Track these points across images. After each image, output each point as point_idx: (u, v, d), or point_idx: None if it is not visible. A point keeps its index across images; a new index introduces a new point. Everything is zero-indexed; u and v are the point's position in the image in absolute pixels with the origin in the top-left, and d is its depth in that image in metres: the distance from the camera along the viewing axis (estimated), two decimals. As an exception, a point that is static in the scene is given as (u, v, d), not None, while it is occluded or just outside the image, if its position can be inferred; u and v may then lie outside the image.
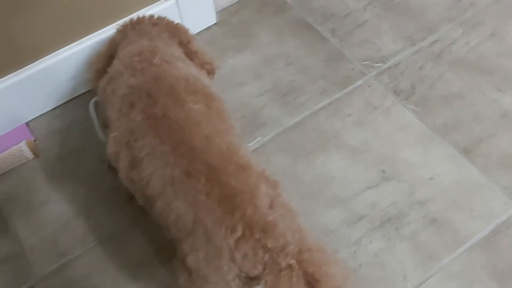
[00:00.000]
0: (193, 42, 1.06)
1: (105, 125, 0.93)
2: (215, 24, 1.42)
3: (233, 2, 1.47)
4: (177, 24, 1.06)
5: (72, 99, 1.30)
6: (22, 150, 1.18)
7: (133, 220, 1.10)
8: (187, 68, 0.91)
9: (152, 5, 1.27)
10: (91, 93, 1.30)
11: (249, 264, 0.69)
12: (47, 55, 1.20)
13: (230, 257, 0.70)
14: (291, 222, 0.73)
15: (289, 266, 0.68)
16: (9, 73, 1.17)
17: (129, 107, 0.82)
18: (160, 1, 1.27)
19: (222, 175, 0.73)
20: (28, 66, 1.18)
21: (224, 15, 1.44)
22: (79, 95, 1.31)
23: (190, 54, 1.03)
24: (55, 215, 1.12)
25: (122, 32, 1.02)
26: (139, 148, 0.79)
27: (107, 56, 1.03)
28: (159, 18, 1.03)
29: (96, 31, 1.23)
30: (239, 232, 0.69)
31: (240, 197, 0.72)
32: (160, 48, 0.93)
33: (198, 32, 1.40)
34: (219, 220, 0.71)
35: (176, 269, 0.80)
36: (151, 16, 1.04)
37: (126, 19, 1.06)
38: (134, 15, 1.21)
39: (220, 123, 0.83)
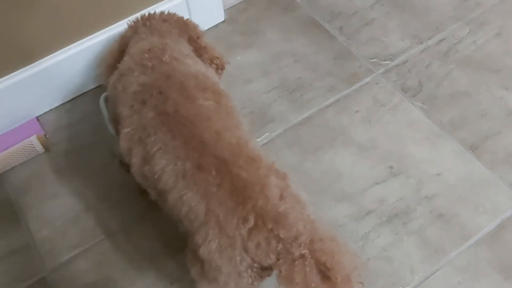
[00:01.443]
0: (203, 38, 1.07)
1: (115, 120, 0.94)
2: (223, 21, 1.44)
3: (241, 0, 1.48)
4: (187, 20, 1.07)
5: (82, 94, 1.32)
6: (33, 144, 1.19)
7: (143, 214, 1.11)
8: (196, 65, 0.92)
9: (162, 2, 1.28)
10: (101, 88, 1.31)
11: (262, 254, 0.70)
12: (58, 51, 1.21)
13: (243, 247, 0.71)
14: (302, 212, 0.74)
15: (302, 256, 0.69)
16: (21, 68, 1.19)
17: (141, 104, 0.84)
18: (169, -2, 1.29)
19: (233, 167, 0.74)
20: (39, 61, 1.20)
21: (232, 12, 1.45)
22: (89, 90, 1.32)
23: (200, 49, 1.04)
24: (66, 208, 1.13)
25: (133, 27, 1.03)
26: (151, 143, 0.80)
27: (118, 51, 1.04)
28: (169, 14, 1.04)
29: (106, 27, 1.25)
30: (251, 223, 0.70)
31: (251, 188, 0.73)
32: (169, 45, 0.94)
33: (207, 29, 1.41)
34: (231, 211, 0.72)
35: (187, 261, 0.82)
36: (162, 12, 1.05)
37: (138, 15, 1.07)
38: (145, 11, 1.24)
39: (229, 119, 0.84)
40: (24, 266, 1.06)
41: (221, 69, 1.07)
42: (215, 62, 1.06)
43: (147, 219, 1.10)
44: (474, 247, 1.02)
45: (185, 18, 1.08)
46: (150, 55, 0.89)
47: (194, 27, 1.08)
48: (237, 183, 0.73)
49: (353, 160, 1.15)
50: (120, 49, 1.05)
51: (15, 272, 1.05)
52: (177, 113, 0.80)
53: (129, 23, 1.07)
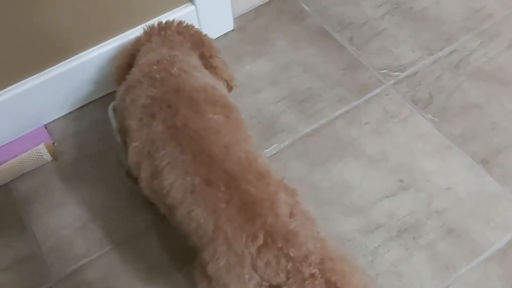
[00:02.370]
0: (215, 58, 1.06)
1: (123, 131, 0.94)
2: (232, 30, 1.43)
3: (250, 9, 1.47)
4: (204, 35, 1.06)
5: (90, 102, 1.31)
6: (40, 152, 1.19)
7: (150, 224, 1.10)
8: (204, 78, 0.92)
9: (172, 11, 1.28)
10: (109, 96, 1.31)
11: (271, 273, 0.69)
12: (67, 59, 1.21)
13: (252, 265, 0.70)
14: (312, 230, 0.73)
15: (312, 275, 0.68)
16: (29, 76, 1.19)
17: (150, 118, 0.83)
18: (179, 7, 1.28)
19: (242, 183, 0.74)
20: (47, 70, 1.19)
21: (242, 21, 1.45)
22: (98, 98, 1.32)
23: (210, 68, 1.03)
24: (73, 217, 1.13)
25: (148, 34, 1.02)
26: (160, 157, 0.79)
27: (130, 54, 1.04)
28: (187, 26, 1.04)
29: (115, 36, 1.24)
30: (260, 240, 0.70)
31: (260, 204, 0.72)
32: (178, 57, 0.93)
33: (216, 38, 1.41)
34: (239, 228, 0.71)
35: (195, 275, 0.81)
36: (180, 23, 1.04)
37: (155, 21, 1.06)
38: (156, 20, 1.24)
39: (238, 133, 0.83)
40: (31, 276, 1.05)
41: (229, 91, 1.07)
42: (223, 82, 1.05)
43: (154, 229, 1.09)
44: (485, 263, 1.00)
45: (203, 33, 1.07)
46: (158, 67, 0.89)
47: (210, 45, 1.07)
48: (246, 199, 0.72)
49: (363, 172, 1.14)
50: (132, 52, 1.05)
51: (21, 281, 1.05)
52: (187, 127, 0.79)
53: (145, 28, 1.07)
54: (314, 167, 1.16)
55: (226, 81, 1.06)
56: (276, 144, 1.21)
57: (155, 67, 0.88)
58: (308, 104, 1.27)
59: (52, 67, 1.20)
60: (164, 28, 1.01)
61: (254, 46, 1.40)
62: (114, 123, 1.13)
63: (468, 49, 1.33)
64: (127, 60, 1.03)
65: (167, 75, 0.86)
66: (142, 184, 0.84)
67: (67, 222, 1.12)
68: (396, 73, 1.30)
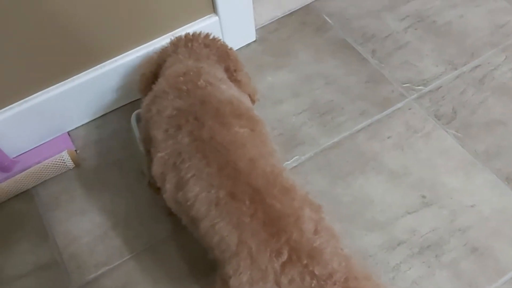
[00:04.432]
0: (240, 72, 1.06)
1: (147, 141, 0.94)
2: (254, 41, 1.44)
3: (272, 20, 1.48)
4: (230, 49, 1.06)
5: (113, 110, 1.33)
6: (63, 159, 1.20)
7: (170, 234, 1.10)
8: (229, 90, 0.92)
9: (196, 21, 1.28)
10: (132, 105, 1.32)
11: None
12: (92, 67, 1.22)
13: (275, 281, 0.70)
14: (336, 247, 0.73)
15: None
16: (54, 84, 1.20)
17: (176, 129, 0.83)
18: (203, 18, 1.29)
19: (267, 197, 0.73)
20: (72, 77, 1.21)
21: (264, 32, 1.45)
22: (120, 106, 1.33)
23: (234, 82, 1.03)
24: (94, 225, 1.13)
25: (175, 45, 1.03)
26: (186, 169, 0.79)
27: (156, 64, 1.04)
28: (213, 39, 1.04)
29: (140, 45, 1.25)
30: (285, 256, 0.69)
31: (285, 220, 0.72)
32: (204, 69, 0.94)
33: (238, 49, 1.41)
34: (264, 243, 0.70)
35: None
36: (207, 35, 1.05)
37: (180, 32, 1.07)
38: (179, 30, 1.25)
39: (263, 146, 0.83)
40: (51, 282, 1.06)
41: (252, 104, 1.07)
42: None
43: (174, 239, 1.09)
44: (510, 284, 0.99)
45: (229, 46, 1.08)
46: (185, 78, 0.89)
47: (235, 59, 1.07)
48: (271, 214, 0.72)
49: (385, 188, 1.13)
50: (158, 62, 1.05)
51: (42, 288, 1.06)
52: (213, 139, 0.79)
53: (172, 38, 1.08)
54: (336, 181, 1.15)
55: (249, 95, 1.06)
56: (297, 156, 1.20)
57: (181, 78, 0.88)
58: (329, 116, 1.26)
59: (77, 75, 1.21)
60: (191, 39, 1.02)
61: (275, 57, 1.40)
62: (136, 132, 1.14)
63: (493, 64, 1.31)
64: (152, 69, 1.04)
65: (194, 87, 0.87)
66: (166, 195, 0.84)
67: (88, 230, 1.13)
68: (419, 87, 1.29)
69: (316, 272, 0.68)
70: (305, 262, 0.68)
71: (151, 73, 1.03)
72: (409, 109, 1.25)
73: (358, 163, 1.18)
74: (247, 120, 0.84)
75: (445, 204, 1.09)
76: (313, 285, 0.68)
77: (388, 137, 1.21)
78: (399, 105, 1.26)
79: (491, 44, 1.36)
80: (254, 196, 0.74)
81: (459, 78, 1.30)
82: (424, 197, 1.11)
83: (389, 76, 1.32)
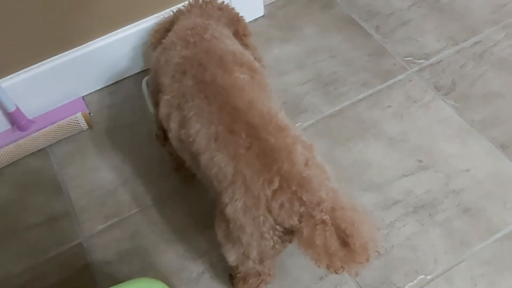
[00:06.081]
0: (248, 37, 1.12)
1: (155, 92, 1.00)
2: (262, 16, 1.49)
3: (281, -3, 1.53)
4: (240, 16, 1.12)
5: (125, 78, 1.39)
6: (77, 120, 1.27)
7: (176, 190, 1.16)
8: (234, 45, 0.98)
9: (206, -6, 1.34)
10: (144, 73, 1.38)
11: (285, 215, 0.74)
12: (106, 34, 1.28)
13: (267, 207, 0.74)
14: (325, 179, 0.77)
15: (323, 221, 0.71)
16: (70, 49, 1.26)
17: (181, 74, 0.89)
18: (213, -9, 1.35)
19: (262, 133, 0.78)
20: (87, 44, 1.27)
21: (272, 8, 1.51)
22: (133, 74, 1.39)
23: (242, 46, 1.08)
24: (105, 181, 1.19)
25: (191, 5, 1.09)
26: (188, 108, 0.85)
27: (170, 21, 1.11)
28: (227, 5, 1.10)
29: (152, 15, 1.31)
30: (276, 184, 0.74)
31: (278, 153, 0.76)
32: (212, 25, 1.00)
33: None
34: (257, 172, 0.75)
35: (215, 222, 0.85)
36: (222, 2, 1.11)
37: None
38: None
39: (262, 92, 0.88)
40: (64, 231, 1.12)
41: None
42: None
43: (179, 195, 1.15)
44: (500, 242, 1.02)
45: (240, 14, 1.14)
46: (193, 32, 0.95)
47: (245, 25, 1.13)
48: (265, 147, 0.77)
49: (383, 152, 1.18)
50: (171, 20, 1.11)
51: (55, 236, 1.12)
52: (214, 82, 0.85)
53: (191, 1, 1.13)
54: (336, 146, 1.20)
55: (256, 59, 1.11)
56: (299, 123, 1.25)
57: (189, 31, 0.94)
58: (332, 87, 1.31)
59: (92, 41, 1.27)
60: (206, 2, 1.08)
61: (282, 31, 1.45)
62: (147, 96, 1.20)
63: (493, 41, 1.35)
64: (166, 26, 1.10)
65: (200, 39, 0.92)
66: (171, 135, 0.89)
67: (99, 185, 1.19)
68: (420, 61, 1.33)
69: (305, 199, 0.72)
70: (294, 188, 0.73)
71: (164, 29, 1.09)
72: (410, 80, 1.30)
73: (359, 130, 1.22)
74: (248, 68, 0.89)
75: (441, 168, 1.14)
76: (301, 210, 0.73)
77: (388, 106, 1.26)
78: (400, 77, 1.31)
79: (492, 22, 1.39)
80: (250, 131, 0.79)
81: (460, 52, 1.34)
82: (420, 161, 1.15)
83: (391, 50, 1.37)
